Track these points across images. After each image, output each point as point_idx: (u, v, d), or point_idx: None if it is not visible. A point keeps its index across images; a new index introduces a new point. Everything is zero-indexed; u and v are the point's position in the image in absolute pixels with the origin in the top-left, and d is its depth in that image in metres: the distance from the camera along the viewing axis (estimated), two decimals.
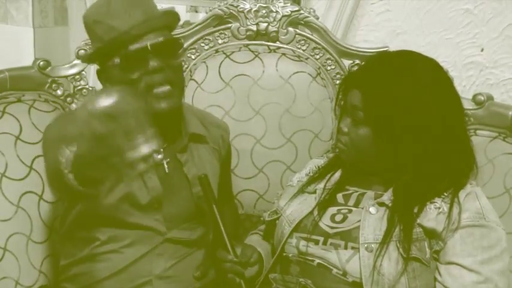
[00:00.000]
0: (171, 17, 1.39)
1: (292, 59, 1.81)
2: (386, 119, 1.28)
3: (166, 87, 1.31)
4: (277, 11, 1.77)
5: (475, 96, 1.64)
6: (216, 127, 1.60)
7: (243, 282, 1.32)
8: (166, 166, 1.43)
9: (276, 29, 1.79)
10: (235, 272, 1.32)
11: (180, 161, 1.46)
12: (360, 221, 1.30)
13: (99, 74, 1.39)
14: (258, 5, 1.77)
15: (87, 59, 1.45)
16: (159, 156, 1.39)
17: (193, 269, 1.43)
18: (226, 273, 1.33)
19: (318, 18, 1.80)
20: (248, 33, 1.80)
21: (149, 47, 1.27)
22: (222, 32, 1.80)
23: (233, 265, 1.32)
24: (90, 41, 1.45)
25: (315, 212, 1.38)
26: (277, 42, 1.81)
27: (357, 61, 1.80)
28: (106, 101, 0.94)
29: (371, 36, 2.06)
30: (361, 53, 1.80)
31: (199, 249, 1.48)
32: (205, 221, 1.48)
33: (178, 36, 1.64)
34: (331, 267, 1.29)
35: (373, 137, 1.31)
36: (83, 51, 1.70)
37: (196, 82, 1.76)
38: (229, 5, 1.77)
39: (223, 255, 1.33)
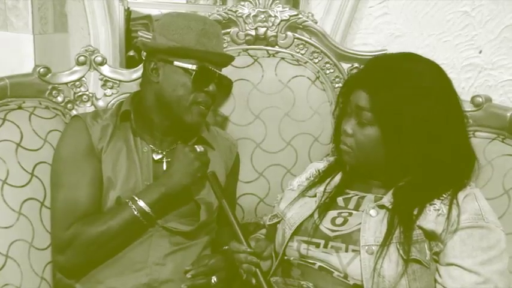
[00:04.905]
0: (231, 62, 1.59)
1: (291, 63, 1.81)
2: (396, 117, 1.29)
3: (205, 110, 1.50)
4: (275, 16, 1.78)
5: (473, 98, 1.64)
6: (225, 139, 1.68)
7: (259, 271, 1.31)
8: (165, 164, 1.51)
9: (274, 34, 1.80)
10: (250, 262, 1.31)
11: None
12: (360, 223, 1.31)
13: (150, 64, 1.50)
14: (256, 9, 1.78)
15: (150, 49, 1.52)
16: (158, 156, 1.51)
17: (190, 260, 1.48)
18: (240, 263, 1.32)
19: (316, 23, 1.81)
20: (247, 38, 1.80)
21: (217, 75, 1.49)
22: None
23: (247, 255, 1.31)
24: (159, 34, 1.49)
25: (316, 215, 1.39)
26: (276, 46, 1.82)
27: (356, 64, 1.82)
28: None
29: (370, 39, 2.07)
30: (360, 57, 1.81)
31: (198, 242, 1.52)
32: (204, 221, 1.51)
33: None
34: (333, 270, 1.30)
35: (381, 136, 1.31)
36: (82, 57, 1.71)
37: None
38: (228, 10, 1.78)
39: (236, 247, 1.33)
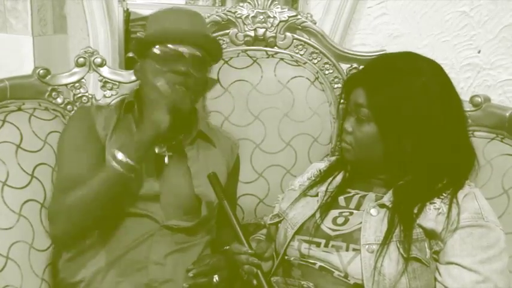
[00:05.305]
0: (214, 43, 1.55)
1: (291, 64, 1.82)
2: (392, 113, 1.30)
3: (181, 89, 1.45)
4: (274, 17, 1.79)
5: (472, 98, 1.65)
6: (226, 138, 1.67)
7: (260, 272, 1.31)
8: (167, 158, 1.51)
9: (273, 35, 1.80)
10: (252, 263, 1.31)
11: (186, 154, 1.52)
12: (361, 223, 1.31)
13: (136, 65, 1.55)
14: (255, 10, 1.78)
15: (133, 50, 1.56)
16: (161, 150, 1.51)
17: (190, 260, 1.47)
18: (242, 265, 1.32)
19: (315, 23, 1.81)
20: (246, 39, 1.81)
21: (185, 53, 1.45)
22: (220, 38, 1.81)
23: (249, 256, 1.32)
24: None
25: (317, 215, 1.39)
26: (275, 47, 1.82)
27: (355, 65, 1.82)
28: None
29: (369, 40, 2.07)
30: (359, 57, 1.82)
31: (198, 242, 1.51)
32: (205, 216, 1.51)
33: None
34: (333, 270, 1.30)
35: (378, 132, 1.32)
36: (82, 59, 1.72)
37: None
38: (227, 11, 1.79)
39: (238, 248, 1.34)
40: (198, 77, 1.48)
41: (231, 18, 1.79)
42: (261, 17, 1.79)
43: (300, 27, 1.81)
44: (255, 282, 1.32)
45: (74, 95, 1.72)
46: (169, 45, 1.45)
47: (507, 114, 1.59)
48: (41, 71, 1.65)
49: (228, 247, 1.40)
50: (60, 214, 1.40)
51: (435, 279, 1.29)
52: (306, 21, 1.80)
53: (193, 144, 1.56)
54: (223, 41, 1.81)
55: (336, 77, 1.84)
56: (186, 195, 1.49)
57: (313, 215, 1.40)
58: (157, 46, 1.45)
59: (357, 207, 1.38)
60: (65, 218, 1.40)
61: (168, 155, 1.51)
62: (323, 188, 1.46)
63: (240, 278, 1.36)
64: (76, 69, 1.72)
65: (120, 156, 1.34)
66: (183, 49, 1.45)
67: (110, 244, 1.44)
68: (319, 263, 1.32)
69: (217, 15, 1.79)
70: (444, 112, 1.32)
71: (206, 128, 1.60)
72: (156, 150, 1.50)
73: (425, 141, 1.31)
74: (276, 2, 1.79)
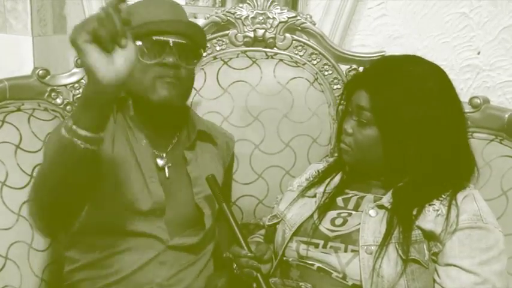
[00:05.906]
0: (198, 31, 1.47)
1: (290, 65, 1.82)
2: (395, 118, 1.30)
3: (173, 81, 1.39)
4: (274, 18, 1.79)
5: (471, 99, 1.65)
6: (222, 135, 1.64)
7: (260, 276, 1.30)
8: (167, 171, 1.46)
9: (273, 35, 1.80)
10: (251, 266, 1.30)
11: (186, 158, 1.48)
12: (359, 224, 1.31)
13: None
14: (255, 11, 1.79)
15: None
16: (162, 162, 1.46)
17: (195, 273, 1.45)
18: (241, 268, 1.31)
19: (314, 24, 1.81)
20: (245, 39, 1.81)
21: (171, 43, 1.38)
22: (219, 38, 1.81)
23: (249, 259, 1.30)
24: None
25: (315, 216, 1.39)
26: (275, 48, 1.82)
27: (354, 66, 1.83)
28: None
29: (368, 41, 2.07)
30: (358, 58, 1.82)
31: (202, 257, 1.49)
32: (208, 228, 1.48)
33: None
34: (331, 271, 1.30)
35: (380, 136, 1.32)
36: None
37: (195, 89, 1.75)
38: (227, 12, 1.79)
39: (237, 251, 1.32)
40: (188, 68, 1.42)
41: (230, 19, 1.79)
42: (261, 17, 1.79)
43: (299, 28, 1.81)
44: (254, 285, 1.32)
45: (74, 95, 1.72)
46: (154, 37, 1.37)
47: (506, 115, 1.59)
48: (41, 72, 1.65)
49: (228, 254, 1.38)
50: (30, 195, 1.34)
51: (434, 280, 1.29)
52: (305, 22, 1.80)
53: (194, 148, 1.51)
54: (223, 41, 1.81)
55: (335, 78, 1.84)
56: (189, 208, 1.46)
57: (311, 216, 1.40)
58: (140, 40, 1.36)
59: (356, 208, 1.38)
60: (32, 196, 1.32)
61: (168, 167, 1.46)
62: (321, 189, 1.46)
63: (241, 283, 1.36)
64: (76, 70, 1.72)
65: (70, 122, 1.10)
66: (168, 39, 1.38)
67: (116, 263, 1.39)
68: (317, 264, 1.33)
69: (216, 16, 1.79)
70: (445, 117, 1.33)
71: (204, 126, 1.55)
72: (159, 162, 1.45)
73: (426, 144, 1.31)
74: (276, 3, 1.80)
